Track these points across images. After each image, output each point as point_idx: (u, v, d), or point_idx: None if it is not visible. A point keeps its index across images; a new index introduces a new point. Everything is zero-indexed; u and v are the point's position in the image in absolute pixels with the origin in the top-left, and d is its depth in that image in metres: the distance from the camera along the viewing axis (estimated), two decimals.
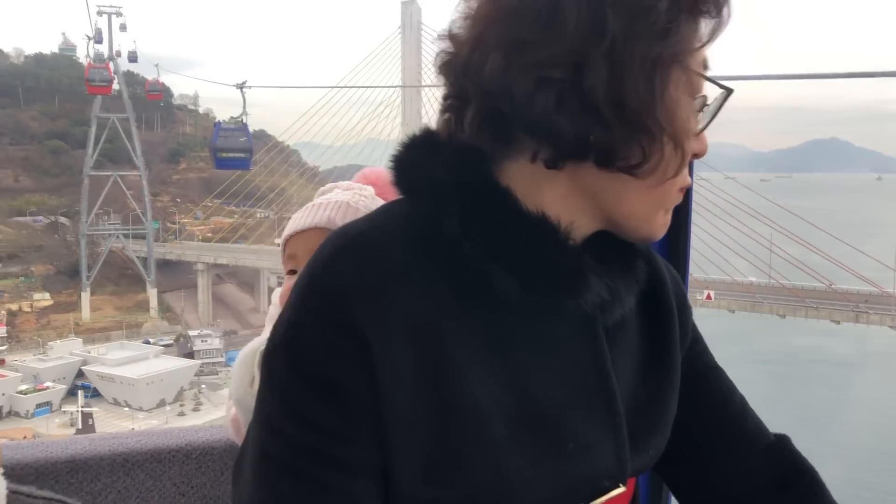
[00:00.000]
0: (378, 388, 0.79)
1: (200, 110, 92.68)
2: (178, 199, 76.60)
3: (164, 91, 78.96)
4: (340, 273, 0.83)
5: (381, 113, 64.47)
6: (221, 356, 50.33)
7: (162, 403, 43.72)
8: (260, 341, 1.26)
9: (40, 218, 70.09)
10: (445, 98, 0.89)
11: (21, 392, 42.96)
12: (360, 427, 0.80)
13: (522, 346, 0.86)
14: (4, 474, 1.01)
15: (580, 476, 0.87)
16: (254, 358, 1.23)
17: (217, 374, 48.81)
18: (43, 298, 61.60)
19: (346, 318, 0.80)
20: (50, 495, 1.04)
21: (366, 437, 0.80)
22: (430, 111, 61.98)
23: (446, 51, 0.87)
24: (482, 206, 0.85)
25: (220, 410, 42.97)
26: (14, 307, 58.44)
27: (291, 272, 1.37)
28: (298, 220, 1.40)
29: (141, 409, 42.91)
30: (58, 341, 51.24)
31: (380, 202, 1.42)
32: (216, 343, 50.97)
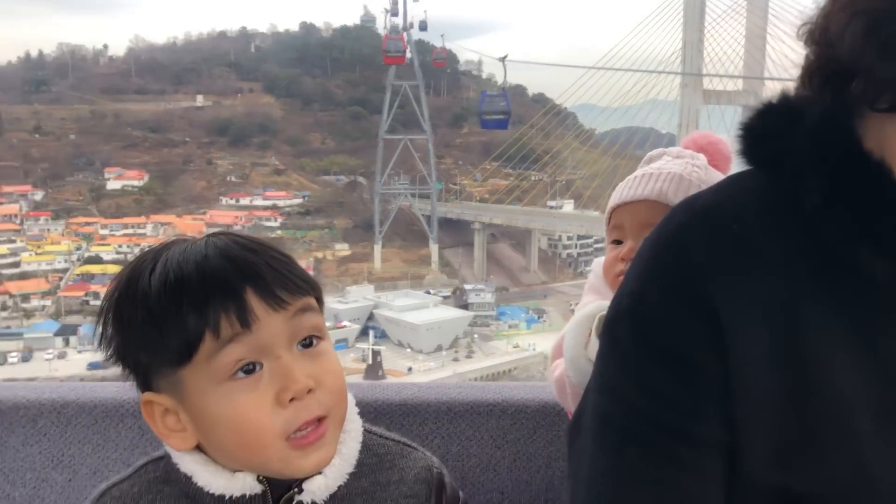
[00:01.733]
0: (728, 365, 0.75)
1: (483, 76, 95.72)
2: (460, 162, 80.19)
3: (450, 58, 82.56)
4: (690, 246, 0.78)
5: (660, 73, 61.91)
6: (493, 310, 52.52)
7: (439, 348, 46.72)
8: (595, 307, 1.23)
9: (342, 177, 77.27)
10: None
11: None
12: (709, 403, 0.77)
13: (891, 333, 0.76)
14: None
15: None
16: (591, 322, 1.21)
17: (488, 326, 51.04)
18: (342, 249, 68.11)
19: (696, 293, 0.76)
20: (398, 437, 1.10)
21: (714, 414, 0.77)
22: (710, 70, 58.49)
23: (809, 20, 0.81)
24: (850, 182, 0.76)
25: (490, 360, 45.28)
26: (319, 255, 65.19)
27: (615, 242, 1.33)
28: (626, 190, 1.32)
29: (420, 352, 46.19)
30: (353, 287, 56.40)
31: (714, 173, 1.32)
32: (488, 297, 53.12)
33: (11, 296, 51.48)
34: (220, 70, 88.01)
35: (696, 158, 1.33)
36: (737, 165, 0.89)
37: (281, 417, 0.89)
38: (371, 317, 49.70)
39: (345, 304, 50.08)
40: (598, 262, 1.43)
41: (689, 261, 0.78)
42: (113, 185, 70.06)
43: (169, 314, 0.88)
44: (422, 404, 1.57)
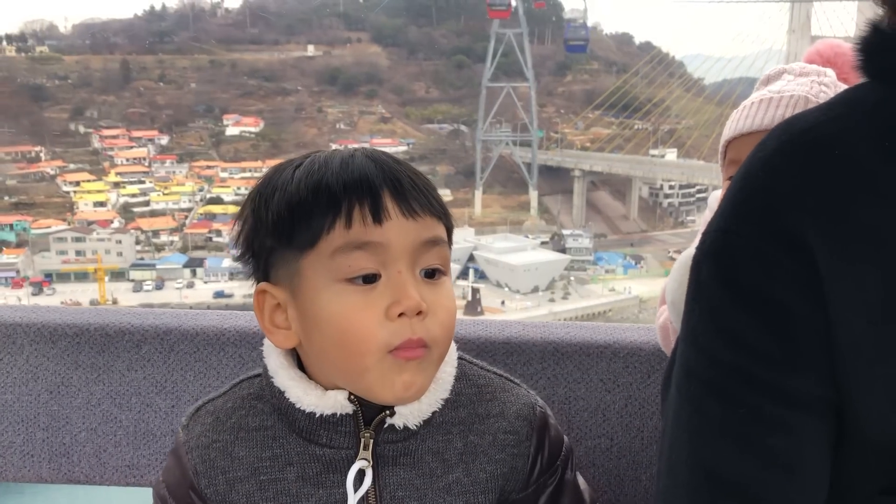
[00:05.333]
0: (829, 312, 0.64)
1: (589, 23, 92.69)
2: (562, 111, 78.36)
3: (555, 5, 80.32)
4: (785, 175, 0.66)
5: (771, 20, 58.14)
6: (590, 255, 52.05)
7: (536, 289, 46.88)
8: None
9: (445, 125, 77.10)
10: None
11: None
12: (804, 354, 0.65)
13: None
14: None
15: None
16: None
17: (585, 270, 50.71)
18: (444, 194, 67.09)
19: (790, 230, 0.64)
20: (500, 371, 1.05)
21: (810, 367, 0.65)
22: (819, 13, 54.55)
23: None
24: None
25: (585, 301, 45.23)
26: None
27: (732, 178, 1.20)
28: (742, 119, 1.14)
29: (518, 292, 46.49)
30: (455, 230, 56.92)
31: None
32: (586, 243, 52.61)
33: (143, 231, 54.58)
34: (330, 20, 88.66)
35: (822, 75, 1.12)
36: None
37: (386, 329, 0.87)
38: (471, 258, 50.10)
39: None
40: (715, 198, 1.24)
41: (782, 192, 0.65)
42: (231, 131, 72.23)
43: (304, 199, 0.88)
44: (526, 343, 1.44)
